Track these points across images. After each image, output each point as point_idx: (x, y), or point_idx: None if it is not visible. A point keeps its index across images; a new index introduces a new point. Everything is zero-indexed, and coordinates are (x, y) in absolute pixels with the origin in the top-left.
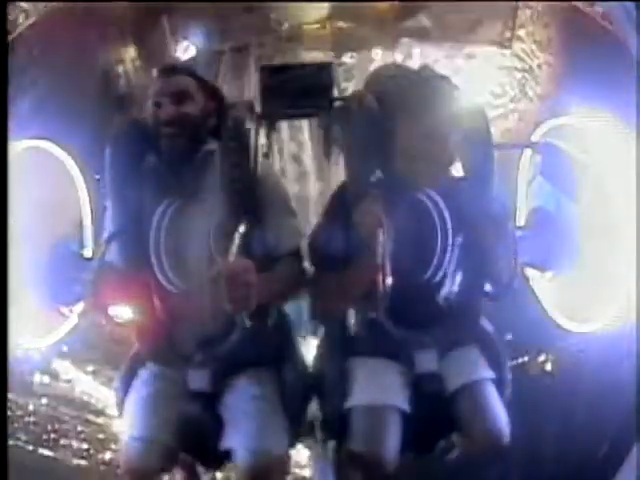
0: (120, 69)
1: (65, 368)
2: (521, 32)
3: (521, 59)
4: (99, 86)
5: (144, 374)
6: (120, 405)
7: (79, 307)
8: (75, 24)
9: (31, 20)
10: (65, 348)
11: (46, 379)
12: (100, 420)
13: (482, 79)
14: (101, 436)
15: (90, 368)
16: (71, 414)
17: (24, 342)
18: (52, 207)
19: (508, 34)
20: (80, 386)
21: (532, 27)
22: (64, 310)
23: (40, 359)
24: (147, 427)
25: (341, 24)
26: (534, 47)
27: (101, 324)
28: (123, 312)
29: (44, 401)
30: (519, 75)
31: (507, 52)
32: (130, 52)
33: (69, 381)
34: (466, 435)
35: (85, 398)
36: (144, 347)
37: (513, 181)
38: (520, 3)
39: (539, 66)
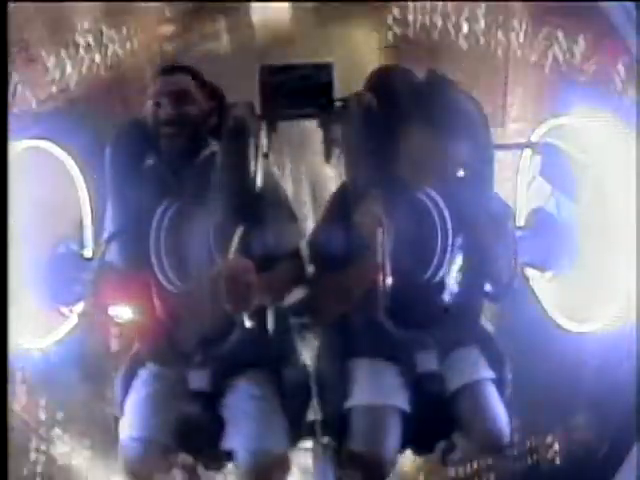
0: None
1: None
2: (513, 111)
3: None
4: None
5: (144, 374)
6: (120, 405)
7: (79, 307)
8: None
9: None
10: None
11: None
12: None
13: None
14: None
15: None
16: None
17: (24, 342)
18: (52, 207)
19: (500, 113)
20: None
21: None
22: (64, 310)
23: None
24: (147, 427)
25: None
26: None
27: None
28: (123, 312)
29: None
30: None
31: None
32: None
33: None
34: (466, 435)
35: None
36: (144, 347)
37: (513, 181)
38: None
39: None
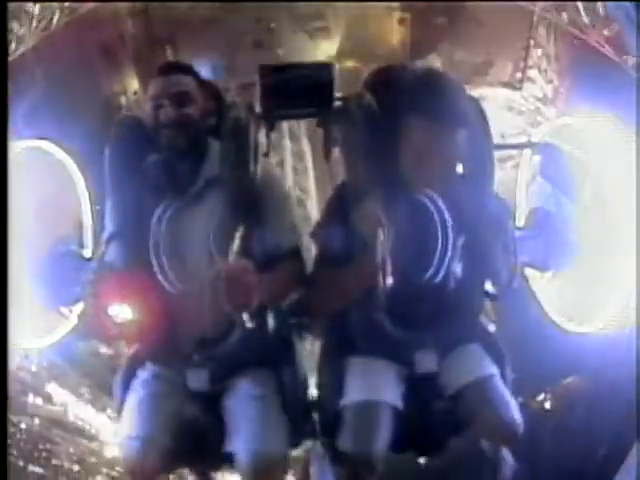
0: (122, 100)
1: (59, 393)
2: (532, 72)
3: (530, 101)
4: (102, 113)
5: (144, 374)
6: (119, 405)
7: (79, 307)
8: (77, 52)
9: (25, 47)
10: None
11: (39, 401)
12: (93, 445)
13: (494, 121)
14: (93, 460)
15: (85, 394)
16: (64, 436)
17: (24, 342)
18: (52, 207)
19: (519, 75)
20: (74, 410)
21: (544, 66)
22: (64, 310)
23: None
24: (146, 427)
25: (349, 64)
26: (544, 85)
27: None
28: (123, 312)
29: (37, 421)
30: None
31: (518, 94)
32: (132, 84)
33: (63, 405)
34: (481, 429)
35: (79, 423)
36: (144, 347)
37: (513, 181)
38: (532, 42)
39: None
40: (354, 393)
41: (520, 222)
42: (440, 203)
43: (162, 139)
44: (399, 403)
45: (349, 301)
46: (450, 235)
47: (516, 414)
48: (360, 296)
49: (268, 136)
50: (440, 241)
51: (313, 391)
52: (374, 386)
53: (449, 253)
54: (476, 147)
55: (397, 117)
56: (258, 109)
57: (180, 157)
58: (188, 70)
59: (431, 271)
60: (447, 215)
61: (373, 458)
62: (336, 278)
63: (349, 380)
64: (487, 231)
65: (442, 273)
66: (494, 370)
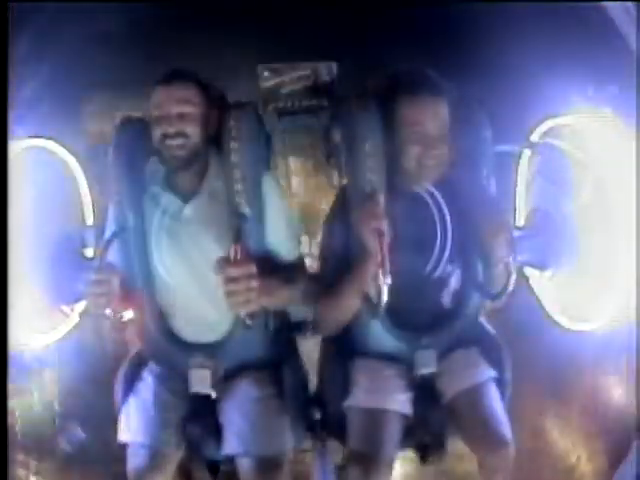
0: None
1: None
2: None
3: None
4: None
5: (144, 376)
6: (120, 406)
7: (80, 306)
8: None
9: None
10: None
11: None
12: None
13: None
14: None
15: None
16: None
17: (25, 340)
18: (54, 206)
19: None
20: None
21: None
22: (65, 309)
23: None
24: (148, 431)
25: None
26: None
27: None
28: (124, 312)
29: None
30: None
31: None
32: None
33: None
34: (468, 438)
35: None
36: (145, 347)
37: (512, 181)
38: None
39: None
40: (361, 396)
41: (520, 222)
42: (439, 200)
43: (165, 149)
44: (407, 409)
45: (350, 303)
46: (448, 233)
47: (505, 427)
48: (360, 297)
49: (270, 137)
50: (438, 238)
51: (315, 391)
52: (381, 391)
53: (447, 251)
54: (475, 147)
55: (397, 116)
56: (259, 110)
57: (184, 164)
58: (191, 76)
59: (429, 268)
60: (446, 212)
61: (385, 459)
62: (337, 280)
63: (352, 381)
64: (486, 230)
65: (440, 269)
66: (490, 375)
